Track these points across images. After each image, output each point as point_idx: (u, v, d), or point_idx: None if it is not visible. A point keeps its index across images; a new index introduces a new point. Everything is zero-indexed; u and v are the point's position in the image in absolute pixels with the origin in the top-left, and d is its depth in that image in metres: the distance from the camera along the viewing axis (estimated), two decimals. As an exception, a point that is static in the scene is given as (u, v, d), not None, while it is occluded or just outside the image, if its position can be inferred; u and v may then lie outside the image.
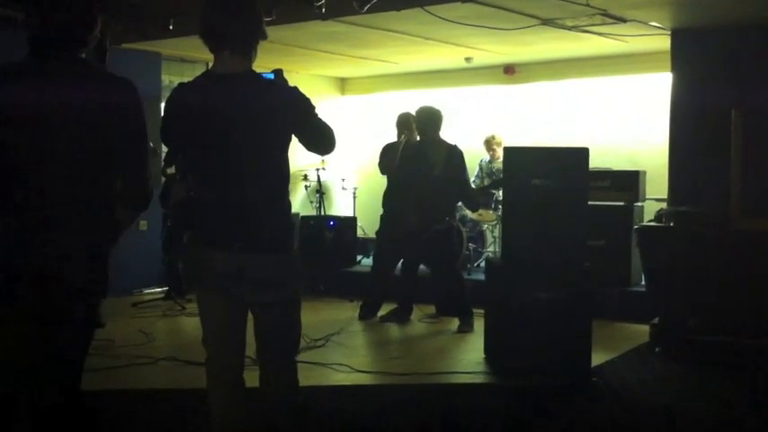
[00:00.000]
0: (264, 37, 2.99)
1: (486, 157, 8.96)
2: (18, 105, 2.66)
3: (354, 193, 10.23)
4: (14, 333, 2.68)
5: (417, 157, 6.74)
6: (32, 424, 2.74)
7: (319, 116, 2.99)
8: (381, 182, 9.77)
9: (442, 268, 6.81)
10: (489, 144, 8.90)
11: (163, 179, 7.54)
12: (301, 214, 9.35)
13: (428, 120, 6.76)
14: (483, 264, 7.63)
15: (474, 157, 8.82)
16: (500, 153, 8.45)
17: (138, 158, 2.75)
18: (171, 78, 8.59)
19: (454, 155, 6.71)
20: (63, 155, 2.65)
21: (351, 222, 9.29)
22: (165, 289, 7.81)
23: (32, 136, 2.65)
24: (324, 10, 6.05)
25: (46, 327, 2.67)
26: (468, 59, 8.99)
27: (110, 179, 2.73)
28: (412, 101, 10.28)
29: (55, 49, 2.71)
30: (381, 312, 7.01)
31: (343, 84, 11.19)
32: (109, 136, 2.68)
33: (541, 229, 5.25)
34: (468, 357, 5.67)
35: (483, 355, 5.54)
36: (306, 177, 9.89)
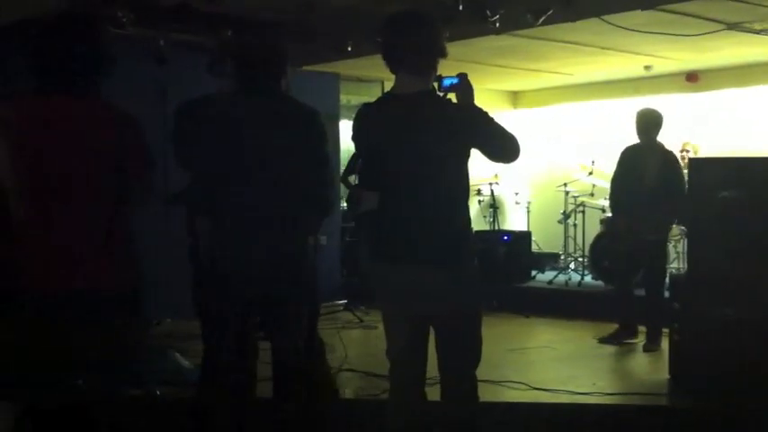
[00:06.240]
0: (444, 55, 3.02)
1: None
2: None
3: (528, 207, 10.10)
4: None
5: (634, 161, 6.44)
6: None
7: (497, 123, 2.96)
8: (555, 195, 9.66)
9: (649, 283, 6.48)
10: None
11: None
12: (475, 229, 9.34)
13: (648, 122, 6.39)
14: (666, 280, 7.31)
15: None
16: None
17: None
18: (349, 98, 8.86)
19: (669, 161, 6.35)
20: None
21: (525, 237, 9.17)
22: (343, 302, 8.05)
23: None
24: (498, 24, 6.06)
25: None
26: (647, 68, 8.70)
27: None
28: (586, 113, 10.14)
29: (255, 81, 3.30)
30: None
31: (515, 97, 11.12)
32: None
33: (731, 243, 4.99)
34: (652, 377, 5.47)
35: (667, 376, 5.32)
36: (479, 192, 9.87)
